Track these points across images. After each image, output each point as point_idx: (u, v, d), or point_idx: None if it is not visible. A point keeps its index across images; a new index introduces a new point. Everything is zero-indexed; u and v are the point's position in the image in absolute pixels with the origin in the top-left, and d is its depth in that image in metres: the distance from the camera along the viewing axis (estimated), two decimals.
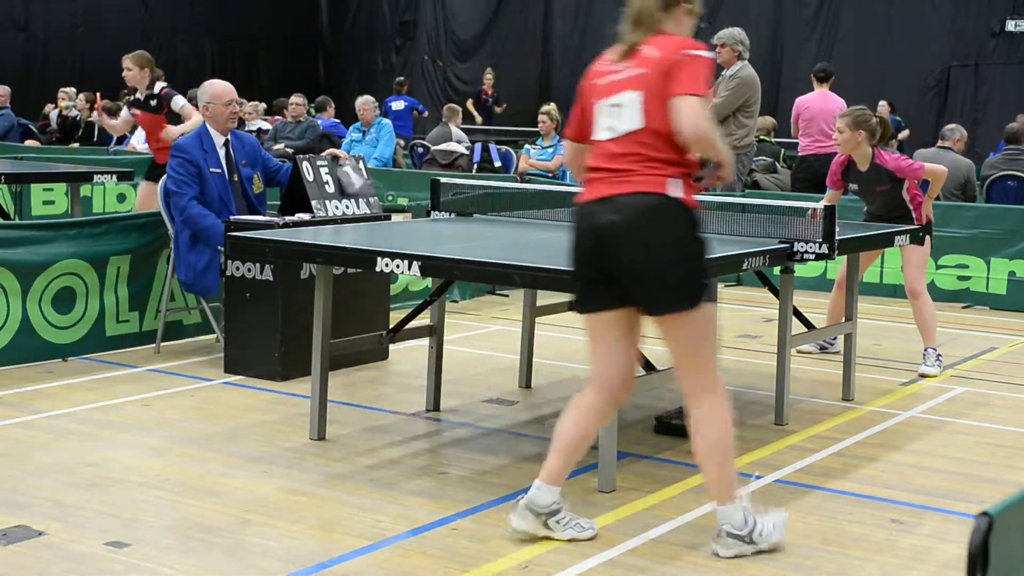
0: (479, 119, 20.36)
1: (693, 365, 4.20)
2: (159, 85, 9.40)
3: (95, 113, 10.66)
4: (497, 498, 4.82)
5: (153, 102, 9.36)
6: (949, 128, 11.40)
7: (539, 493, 4.30)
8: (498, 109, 20.90)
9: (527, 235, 6.02)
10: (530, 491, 4.32)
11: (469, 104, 20.59)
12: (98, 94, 11.72)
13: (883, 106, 17.45)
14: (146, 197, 9.64)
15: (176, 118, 9.30)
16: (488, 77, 21.44)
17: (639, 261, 4.11)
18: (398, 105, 18.86)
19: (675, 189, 4.09)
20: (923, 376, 7.29)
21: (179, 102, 9.30)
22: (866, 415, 6.37)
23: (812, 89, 12.09)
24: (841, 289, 7.30)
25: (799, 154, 11.92)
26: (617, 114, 4.16)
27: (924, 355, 7.39)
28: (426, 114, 19.51)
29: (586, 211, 4.20)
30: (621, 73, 4.17)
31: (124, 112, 10.20)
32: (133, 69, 9.35)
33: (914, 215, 7.30)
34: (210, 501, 4.70)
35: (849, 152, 7.30)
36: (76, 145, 16.08)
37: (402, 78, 21.07)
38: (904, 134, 17.05)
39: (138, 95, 9.40)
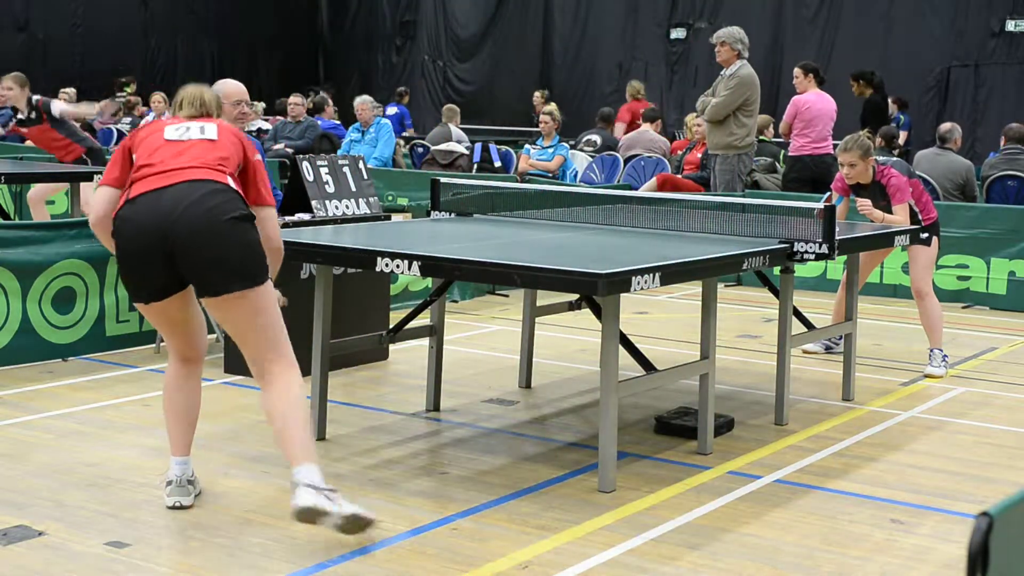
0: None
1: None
2: (34, 99, 9.82)
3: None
4: (497, 498, 4.82)
5: (33, 115, 9.75)
6: (947, 129, 11.21)
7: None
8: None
9: (527, 235, 6.02)
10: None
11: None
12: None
13: (891, 103, 17.32)
14: (39, 195, 10.23)
15: (60, 123, 9.81)
16: (539, 98, 20.21)
17: None
18: (391, 111, 18.95)
19: None
20: (928, 377, 7.27)
21: (57, 107, 9.81)
22: (866, 415, 6.37)
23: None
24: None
25: (792, 153, 11.46)
26: None
27: (930, 355, 7.37)
28: (409, 131, 19.31)
29: None
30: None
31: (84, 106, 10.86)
32: (15, 89, 9.82)
33: (920, 216, 7.27)
34: (210, 501, 4.70)
35: (858, 179, 7.16)
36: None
37: (404, 88, 20.93)
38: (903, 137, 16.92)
39: (20, 115, 9.83)
